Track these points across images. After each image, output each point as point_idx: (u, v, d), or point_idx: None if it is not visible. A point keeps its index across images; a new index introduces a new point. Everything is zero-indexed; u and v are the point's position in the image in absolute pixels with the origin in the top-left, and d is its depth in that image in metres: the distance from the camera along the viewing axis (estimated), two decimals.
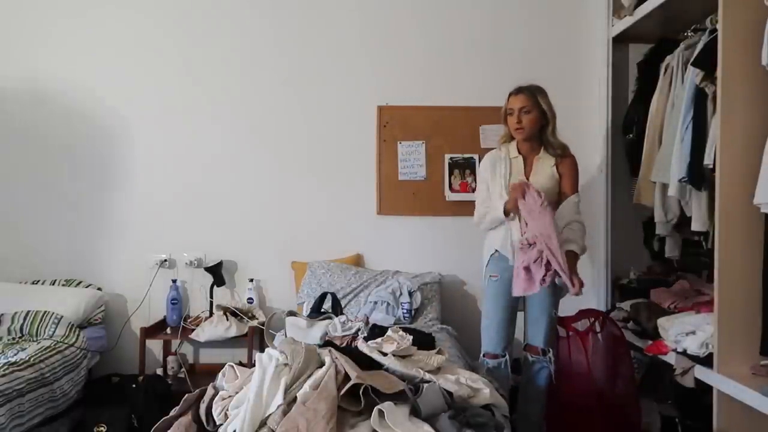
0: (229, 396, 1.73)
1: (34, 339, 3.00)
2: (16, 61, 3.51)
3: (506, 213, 2.59)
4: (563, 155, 2.67)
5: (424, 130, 3.54)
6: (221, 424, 1.67)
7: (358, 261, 3.54)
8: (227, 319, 3.24)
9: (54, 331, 3.04)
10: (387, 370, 1.78)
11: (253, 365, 1.74)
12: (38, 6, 3.51)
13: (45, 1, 3.50)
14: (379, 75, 3.54)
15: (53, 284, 3.41)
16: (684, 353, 2.53)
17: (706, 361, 2.39)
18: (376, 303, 3.20)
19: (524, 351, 2.76)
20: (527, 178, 2.64)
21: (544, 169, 2.66)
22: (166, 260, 3.51)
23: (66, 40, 3.51)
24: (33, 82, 3.51)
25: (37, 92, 3.52)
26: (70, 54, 3.51)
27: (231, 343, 3.26)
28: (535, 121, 2.62)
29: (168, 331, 3.33)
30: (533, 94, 2.61)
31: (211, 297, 3.42)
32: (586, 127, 3.43)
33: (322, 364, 1.72)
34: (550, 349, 2.65)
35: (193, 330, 3.24)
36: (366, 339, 2.00)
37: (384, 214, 3.55)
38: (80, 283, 3.43)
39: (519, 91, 2.63)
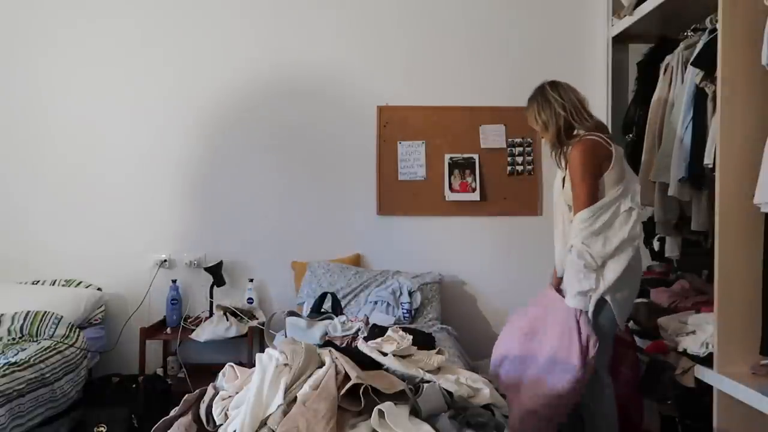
0: (229, 396, 1.73)
1: (34, 339, 3.00)
2: (18, 64, 3.52)
3: None
4: (570, 151, 2.34)
5: (424, 130, 3.54)
6: (221, 424, 1.67)
7: (358, 261, 3.54)
8: (227, 319, 3.24)
9: (54, 332, 3.03)
10: (387, 370, 1.78)
11: (253, 365, 1.74)
12: (39, 15, 3.51)
13: (45, 12, 3.51)
14: (379, 75, 3.54)
15: (53, 284, 3.41)
16: (684, 353, 2.53)
17: (706, 360, 2.39)
18: (376, 303, 3.20)
19: None
20: (563, 185, 2.47)
21: (569, 174, 2.38)
22: (166, 260, 3.51)
23: (63, 40, 3.52)
24: (34, 82, 3.52)
25: (35, 95, 3.52)
26: (71, 53, 3.52)
27: (231, 343, 3.27)
28: (543, 132, 2.45)
29: (168, 331, 3.33)
30: (527, 111, 2.49)
31: (211, 297, 3.41)
32: None
33: (322, 364, 1.72)
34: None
35: (193, 330, 3.24)
36: (366, 339, 2.00)
37: (384, 214, 3.55)
38: (80, 283, 3.43)
39: (525, 109, 2.51)
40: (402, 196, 3.54)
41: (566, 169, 2.38)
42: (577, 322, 2.29)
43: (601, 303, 2.29)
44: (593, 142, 2.31)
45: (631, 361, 2.57)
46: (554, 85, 2.44)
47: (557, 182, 2.54)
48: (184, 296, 3.48)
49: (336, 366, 1.67)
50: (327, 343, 2.13)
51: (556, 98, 2.39)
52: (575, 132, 2.37)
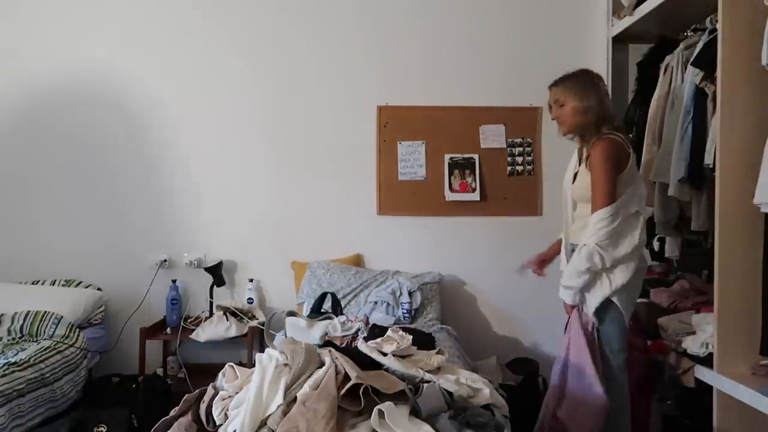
0: (229, 396, 1.73)
1: (34, 339, 3.00)
2: (16, 64, 3.51)
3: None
4: (591, 146, 2.30)
5: (424, 130, 3.53)
6: (221, 424, 1.67)
7: (358, 261, 3.54)
8: (227, 319, 3.24)
9: (54, 332, 3.04)
10: (387, 370, 1.78)
11: (253, 365, 1.74)
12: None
13: None
14: (379, 75, 3.54)
15: (53, 284, 3.40)
16: (684, 353, 2.53)
17: (706, 360, 2.39)
18: (376, 303, 3.19)
19: None
20: (574, 179, 2.44)
21: (583, 167, 2.36)
22: (166, 260, 3.51)
23: (60, 40, 3.51)
24: (32, 84, 3.51)
25: (37, 94, 3.52)
26: (67, 55, 3.51)
27: (231, 343, 3.26)
28: (573, 112, 2.34)
29: (168, 331, 3.33)
30: (564, 82, 2.38)
31: (211, 297, 3.41)
32: None
33: (322, 364, 1.72)
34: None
35: (193, 330, 3.24)
36: (366, 339, 2.00)
37: (384, 214, 3.55)
38: (80, 283, 3.43)
39: (554, 83, 2.41)
40: (402, 196, 3.54)
41: (585, 163, 2.35)
42: (569, 316, 2.36)
43: (606, 303, 2.29)
44: (616, 140, 2.30)
45: (639, 362, 2.56)
46: (599, 77, 2.42)
47: (568, 175, 2.51)
48: (184, 296, 3.48)
49: (336, 366, 1.67)
50: (327, 343, 2.13)
51: (602, 88, 2.38)
52: (600, 129, 2.34)
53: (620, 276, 2.25)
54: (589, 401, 2.28)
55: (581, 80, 2.38)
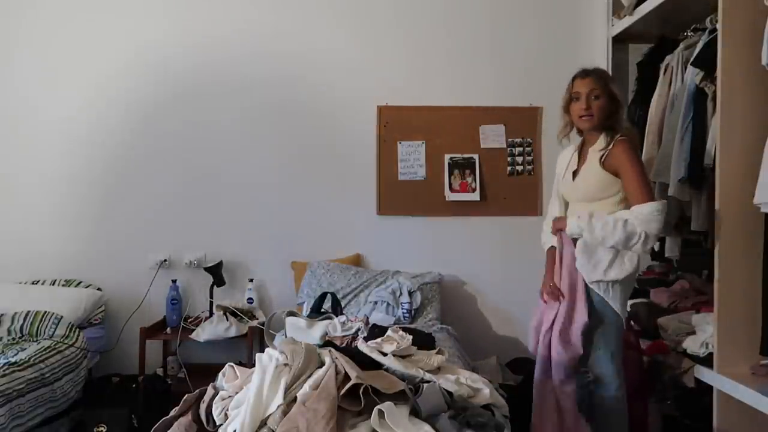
0: (229, 396, 1.73)
1: (34, 339, 3.00)
2: (13, 62, 3.52)
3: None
4: (613, 145, 2.28)
5: (424, 130, 3.54)
6: (221, 424, 1.67)
7: (358, 261, 3.54)
8: (227, 319, 3.24)
9: (54, 331, 3.04)
10: (387, 370, 1.78)
11: (253, 365, 1.74)
12: None
13: None
14: (379, 75, 3.54)
15: (53, 284, 3.40)
16: (684, 353, 2.53)
17: (706, 360, 2.40)
18: (376, 303, 3.19)
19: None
20: (573, 177, 2.42)
21: (591, 165, 2.35)
22: (166, 260, 3.51)
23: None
24: (26, 80, 3.51)
25: (32, 92, 3.52)
26: (53, 56, 3.52)
27: (231, 343, 3.26)
28: (605, 107, 2.32)
29: (168, 331, 3.33)
30: (602, 77, 2.35)
31: (211, 297, 3.41)
32: None
33: (322, 364, 1.72)
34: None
35: (193, 330, 3.24)
36: (366, 339, 2.00)
37: (384, 214, 3.55)
38: (80, 283, 3.43)
39: (586, 73, 2.35)
40: (402, 196, 3.54)
41: (599, 162, 2.31)
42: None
43: (605, 304, 2.28)
44: (634, 140, 2.36)
45: (635, 362, 2.56)
46: None
47: (565, 173, 2.48)
48: (184, 296, 3.47)
49: (336, 366, 1.67)
50: (327, 343, 2.13)
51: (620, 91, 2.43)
52: (620, 127, 2.35)
53: (620, 270, 2.25)
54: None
55: (610, 76, 2.41)
